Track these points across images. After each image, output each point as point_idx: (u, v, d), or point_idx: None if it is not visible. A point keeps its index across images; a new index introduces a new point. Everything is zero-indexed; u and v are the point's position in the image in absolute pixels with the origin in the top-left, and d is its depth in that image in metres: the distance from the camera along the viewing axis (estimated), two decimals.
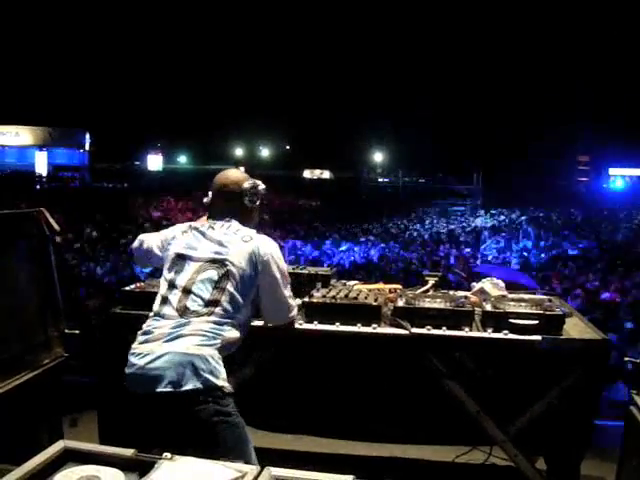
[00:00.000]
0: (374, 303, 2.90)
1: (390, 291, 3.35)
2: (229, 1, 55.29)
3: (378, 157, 50.18)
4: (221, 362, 2.18)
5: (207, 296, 2.25)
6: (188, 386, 2.09)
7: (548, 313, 2.77)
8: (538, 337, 2.69)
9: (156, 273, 3.14)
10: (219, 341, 2.20)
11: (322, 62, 53.90)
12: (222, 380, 2.16)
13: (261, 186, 2.57)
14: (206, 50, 53.07)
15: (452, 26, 52.84)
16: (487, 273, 4.81)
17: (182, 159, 54.48)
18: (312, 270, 3.43)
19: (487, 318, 2.81)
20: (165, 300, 2.30)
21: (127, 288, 3.17)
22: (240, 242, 2.36)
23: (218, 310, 2.24)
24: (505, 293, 3.24)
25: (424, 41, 52.13)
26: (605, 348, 2.72)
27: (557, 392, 2.76)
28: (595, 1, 47.38)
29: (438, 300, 2.96)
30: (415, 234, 20.89)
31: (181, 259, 2.38)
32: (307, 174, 46.72)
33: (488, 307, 2.88)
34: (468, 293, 3.30)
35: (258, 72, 54.14)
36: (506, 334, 2.72)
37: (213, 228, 2.43)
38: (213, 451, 1.97)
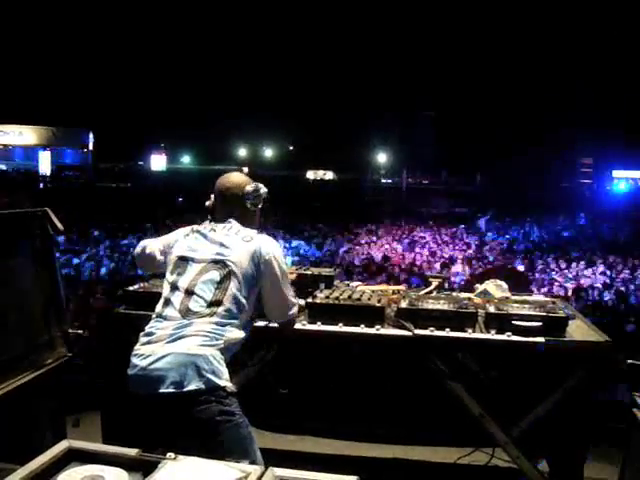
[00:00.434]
0: (377, 304, 2.90)
1: (393, 292, 3.35)
2: (233, 2, 55.41)
3: (382, 158, 50.06)
4: (223, 362, 2.19)
5: (209, 297, 2.26)
6: (191, 386, 2.09)
7: (551, 315, 2.77)
8: (541, 339, 2.69)
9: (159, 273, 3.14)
10: (221, 341, 2.20)
11: (326, 63, 53.98)
12: (225, 380, 2.16)
13: (263, 189, 2.58)
14: (210, 51, 53.23)
15: (457, 29, 52.77)
16: None
17: (185, 159, 54.45)
18: (315, 271, 3.43)
19: (490, 320, 2.81)
20: (167, 302, 2.31)
21: (131, 288, 3.18)
22: (241, 242, 2.37)
23: (220, 311, 2.24)
24: (508, 295, 3.24)
25: (427, 42, 52.09)
26: (608, 350, 2.72)
27: (560, 394, 2.76)
28: (599, 1, 47.28)
29: (441, 301, 2.96)
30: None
31: (183, 261, 2.39)
32: (310, 175, 46.66)
33: (491, 309, 2.88)
34: (471, 294, 3.30)
35: (262, 72, 54.30)
36: (509, 336, 2.72)
37: (215, 230, 2.44)
38: (217, 451, 1.96)
